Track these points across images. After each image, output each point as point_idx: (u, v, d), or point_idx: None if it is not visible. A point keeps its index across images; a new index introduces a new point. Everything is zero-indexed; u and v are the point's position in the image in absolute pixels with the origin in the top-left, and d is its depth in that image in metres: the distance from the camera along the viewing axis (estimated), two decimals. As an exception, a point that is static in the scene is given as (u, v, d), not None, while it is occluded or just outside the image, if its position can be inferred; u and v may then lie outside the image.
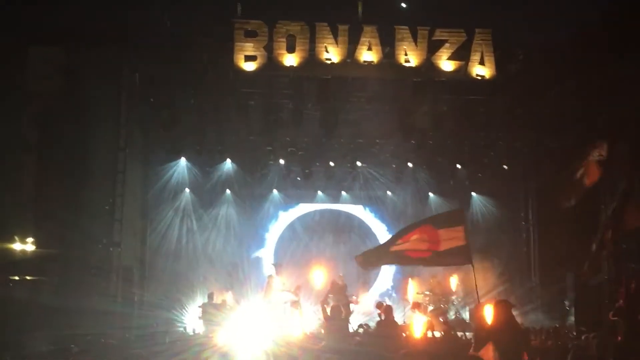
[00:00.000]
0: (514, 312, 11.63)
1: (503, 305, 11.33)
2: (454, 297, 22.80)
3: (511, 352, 10.87)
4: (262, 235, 25.87)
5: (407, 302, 22.31)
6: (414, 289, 22.53)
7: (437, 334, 17.72)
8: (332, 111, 21.44)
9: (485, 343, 11.12)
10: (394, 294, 24.90)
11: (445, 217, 14.57)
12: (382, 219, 26.10)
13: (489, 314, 12.24)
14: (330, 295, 19.68)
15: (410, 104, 21.35)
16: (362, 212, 26.36)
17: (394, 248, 14.04)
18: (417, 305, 20.36)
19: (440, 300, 22.32)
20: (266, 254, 25.66)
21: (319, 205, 26.12)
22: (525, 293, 23.32)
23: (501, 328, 11.04)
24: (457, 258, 13.82)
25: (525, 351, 11.12)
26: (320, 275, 22.49)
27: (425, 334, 17.19)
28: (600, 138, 19.81)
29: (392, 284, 25.51)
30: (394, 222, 25.38)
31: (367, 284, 23.94)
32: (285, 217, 26.07)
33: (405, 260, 14.65)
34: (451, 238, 13.48)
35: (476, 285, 13.92)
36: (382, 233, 25.73)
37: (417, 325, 17.78)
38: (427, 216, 17.67)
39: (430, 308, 21.82)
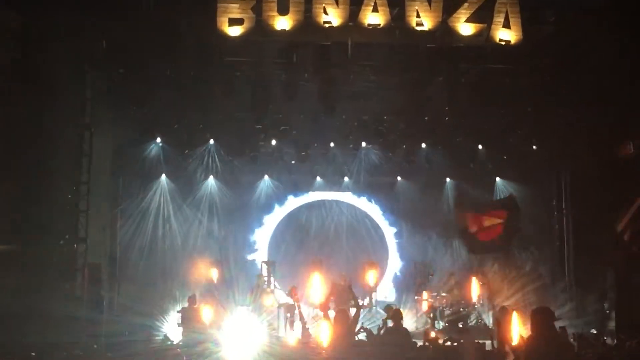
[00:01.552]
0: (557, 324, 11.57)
1: (542, 315, 10.81)
2: (475, 301, 22.86)
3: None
4: (253, 228, 26.16)
5: (420, 305, 22.53)
6: (427, 290, 22.77)
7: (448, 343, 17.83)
8: (332, 83, 21.45)
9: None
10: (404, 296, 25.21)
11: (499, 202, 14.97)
12: (390, 210, 26.43)
13: (516, 322, 12.32)
14: (332, 299, 19.78)
15: (423, 75, 21.40)
16: (366, 204, 26.65)
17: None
18: (432, 309, 20.42)
19: (460, 304, 22.58)
20: (259, 250, 26.02)
21: (317, 194, 26.45)
22: (558, 294, 23.55)
23: (540, 343, 10.57)
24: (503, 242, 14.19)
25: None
26: (319, 275, 22.65)
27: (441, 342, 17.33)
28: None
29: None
30: (403, 213, 25.58)
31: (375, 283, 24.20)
32: (280, 209, 26.41)
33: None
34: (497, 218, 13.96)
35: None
36: (387, 227, 25.99)
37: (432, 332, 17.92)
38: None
39: (448, 312, 22.13)
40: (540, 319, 10.61)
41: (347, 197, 26.76)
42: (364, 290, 22.54)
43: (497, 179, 25.59)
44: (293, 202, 26.57)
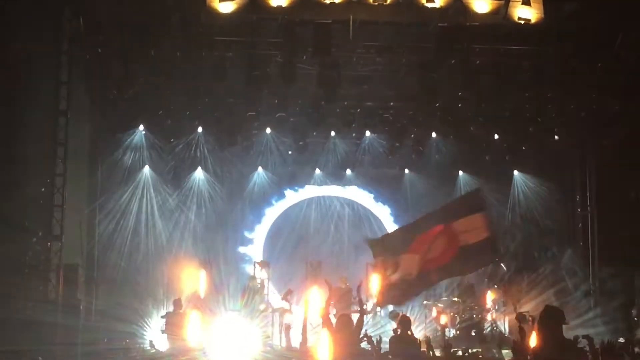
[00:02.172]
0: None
1: (549, 317, 10.98)
2: (489, 306, 22.77)
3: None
4: (245, 225, 26.00)
5: (429, 310, 22.36)
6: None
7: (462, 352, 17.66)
8: (334, 66, 21.34)
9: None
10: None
11: (460, 204, 14.13)
12: (396, 205, 26.25)
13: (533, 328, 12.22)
14: (331, 303, 19.62)
15: (434, 57, 21.23)
16: (368, 199, 26.50)
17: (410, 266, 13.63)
18: (442, 315, 20.32)
19: (473, 309, 22.38)
20: (253, 250, 25.81)
21: (316, 189, 26.31)
22: (581, 299, 23.36)
23: (546, 347, 10.77)
24: (481, 256, 13.40)
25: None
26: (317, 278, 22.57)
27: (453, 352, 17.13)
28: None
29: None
30: (411, 209, 25.41)
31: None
32: (276, 204, 26.30)
33: (422, 282, 14.18)
34: (470, 230, 13.01)
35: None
36: (392, 224, 25.90)
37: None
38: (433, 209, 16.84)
39: (460, 319, 21.92)
40: (547, 320, 10.83)
41: (350, 192, 26.62)
42: (366, 295, 22.39)
43: (515, 171, 25.46)
44: (290, 197, 26.43)
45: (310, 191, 26.47)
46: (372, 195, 26.60)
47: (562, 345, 11.11)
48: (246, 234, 26.07)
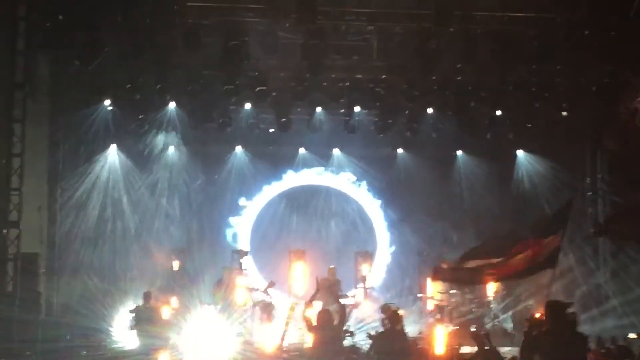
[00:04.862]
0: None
1: (554, 307, 11.50)
2: (491, 299, 22.92)
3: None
4: (222, 210, 26.03)
5: (424, 304, 22.58)
6: (434, 286, 22.64)
7: (467, 349, 17.78)
8: (320, 34, 21.22)
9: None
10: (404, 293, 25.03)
11: (554, 219, 14.64)
12: (388, 188, 26.33)
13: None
14: (317, 295, 19.71)
15: (430, 24, 21.18)
16: (354, 189, 26.69)
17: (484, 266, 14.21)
18: (439, 310, 20.36)
19: (472, 302, 22.49)
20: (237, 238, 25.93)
21: (298, 174, 26.47)
22: (591, 290, 23.57)
23: (550, 336, 11.28)
24: (545, 263, 14.08)
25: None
26: (302, 269, 22.65)
27: (451, 350, 17.21)
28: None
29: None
30: (405, 192, 25.48)
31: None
32: (262, 193, 26.43)
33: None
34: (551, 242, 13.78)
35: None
36: (378, 214, 26.09)
37: (440, 337, 17.80)
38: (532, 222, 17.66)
39: (458, 313, 22.01)
40: (552, 309, 11.51)
41: (335, 181, 26.74)
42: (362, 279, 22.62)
43: (519, 151, 25.62)
44: (274, 184, 26.51)
45: (291, 181, 26.58)
46: (364, 182, 26.70)
47: (569, 332, 11.45)
48: (230, 220, 26.10)
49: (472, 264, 14.33)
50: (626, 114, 21.24)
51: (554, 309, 11.46)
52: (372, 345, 15.74)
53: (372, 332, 16.41)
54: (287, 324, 19.25)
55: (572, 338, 11.47)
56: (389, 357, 14.34)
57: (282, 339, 18.89)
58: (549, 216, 17.34)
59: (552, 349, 11.12)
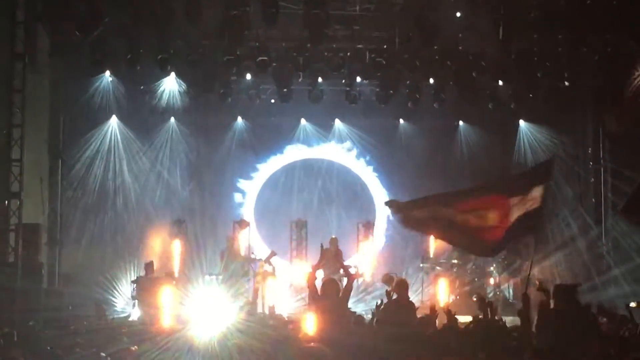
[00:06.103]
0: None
1: (564, 292, 11.68)
2: (492, 269, 23.02)
3: (573, 342, 10.94)
4: (223, 181, 26.10)
5: (426, 274, 22.63)
6: (435, 257, 22.80)
7: (465, 319, 17.77)
8: (321, 4, 21.04)
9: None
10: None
11: (529, 177, 14.09)
12: (390, 160, 26.34)
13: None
14: (322, 264, 19.72)
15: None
16: (355, 163, 26.79)
17: (450, 213, 13.63)
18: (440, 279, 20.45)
19: (473, 272, 22.61)
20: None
21: (300, 148, 26.57)
22: (592, 261, 23.56)
23: (558, 313, 11.40)
24: (523, 228, 13.43)
25: (594, 341, 11.16)
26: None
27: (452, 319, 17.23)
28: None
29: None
30: (407, 162, 25.46)
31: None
32: (264, 166, 26.56)
33: (470, 242, 14.25)
34: (528, 201, 13.08)
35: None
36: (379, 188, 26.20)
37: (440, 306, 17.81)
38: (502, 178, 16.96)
39: (459, 283, 22.21)
40: (562, 296, 11.69)
41: (337, 155, 26.81)
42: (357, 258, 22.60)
43: (521, 121, 25.56)
44: (277, 159, 26.69)
45: (293, 155, 26.68)
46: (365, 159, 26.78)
47: (578, 308, 11.44)
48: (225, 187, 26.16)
49: (418, 213, 13.83)
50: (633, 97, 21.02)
51: (564, 291, 11.61)
52: (373, 314, 15.68)
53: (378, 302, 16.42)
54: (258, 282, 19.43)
55: (580, 316, 11.58)
56: (394, 326, 14.28)
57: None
58: (523, 174, 16.86)
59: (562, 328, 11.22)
